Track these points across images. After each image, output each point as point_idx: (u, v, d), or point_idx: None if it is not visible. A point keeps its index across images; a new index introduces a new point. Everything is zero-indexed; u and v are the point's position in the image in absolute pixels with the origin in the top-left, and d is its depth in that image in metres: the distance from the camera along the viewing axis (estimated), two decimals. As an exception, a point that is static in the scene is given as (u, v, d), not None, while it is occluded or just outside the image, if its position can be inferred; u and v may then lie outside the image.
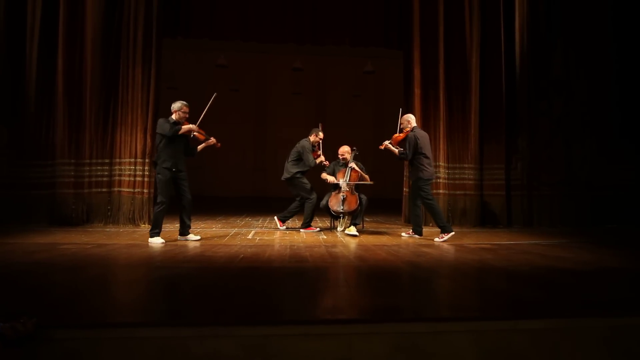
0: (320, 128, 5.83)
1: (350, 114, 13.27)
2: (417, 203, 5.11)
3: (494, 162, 6.61)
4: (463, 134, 6.59)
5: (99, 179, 5.95)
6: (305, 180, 5.63)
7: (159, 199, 4.39)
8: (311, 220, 5.67)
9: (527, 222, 6.54)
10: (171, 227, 5.68)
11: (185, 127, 4.46)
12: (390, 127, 6.83)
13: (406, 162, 6.43)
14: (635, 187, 6.77)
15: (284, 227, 5.80)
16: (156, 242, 4.34)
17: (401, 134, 5.12)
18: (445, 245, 4.62)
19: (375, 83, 12.98)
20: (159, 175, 4.39)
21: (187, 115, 4.60)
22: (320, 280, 2.87)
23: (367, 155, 13.08)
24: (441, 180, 6.45)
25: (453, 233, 4.86)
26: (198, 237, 4.68)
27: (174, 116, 4.53)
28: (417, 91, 6.53)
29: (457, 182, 6.53)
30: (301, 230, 5.60)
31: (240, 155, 12.94)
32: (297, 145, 5.73)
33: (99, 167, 5.95)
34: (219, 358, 1.70)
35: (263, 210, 8.79)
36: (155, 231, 4.40)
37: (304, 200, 5.61)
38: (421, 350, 1.82)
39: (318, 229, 5.72)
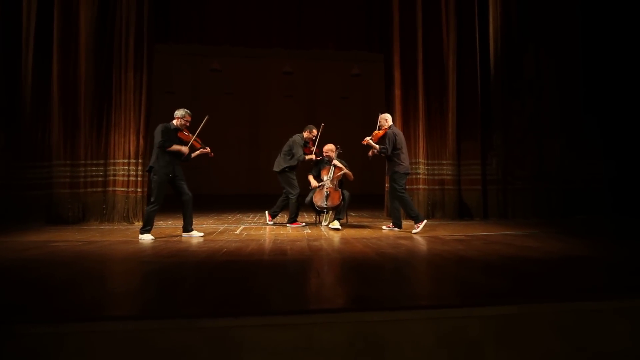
0: (315, 127, 5.78)
1: (339, 115, 13.22)
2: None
3: (470, 158, 6.59)
4: (441, 132, 6.57)
5: (94, 179, 5.86)
6: (292, 176, 5.58)
7: (152, 199, 4.32)
8: (296, 215, 5.62)
9: (502, 214, 6.53)
10: (163, 224, 5.62)
11: (176, 147, 4.37)
12: (376, 127, 6.78)
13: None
14: (602, 180, 6.79)
15: (272, 222, 5.75)
16: (146, 238, 4.28)
17: (380, 131, 5.14)
18: (421, 237, 4.58)
19: (362, 85, 12.93)
20: (155, 177, 4.32)
21: (188, 124, 4.54)
22: (294, 272, 2.82)
23: (355, 154, 13.09)
24: (421, 176, 6.43)
25: (426, 221, 4.91)
26: (201, 234, 4.62)
27: (175, 122, 4.48)
28: (397, 92, 6.49)
29: (436, 177, 6.51)
30: (287, 225, 5.56)
31: (235, 155, 12.86)
32: (289, 139, 5.66)
33: (94, 168, 5.86)
34: (182, 350, 1.64)
35: (255, 206, 8.72)
36: (146, 228, 4.33)
37: (287, 195, 5.57)
38: (380, 337, 1.78)
39: (304, 223, 5.67)
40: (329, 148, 5.70)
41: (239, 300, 2.06)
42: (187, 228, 4.61)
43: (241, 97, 12.90)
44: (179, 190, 4.47)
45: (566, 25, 6.83)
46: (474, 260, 3.19)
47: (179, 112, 4.49)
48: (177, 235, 4.61)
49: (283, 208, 5.79)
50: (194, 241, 4.29)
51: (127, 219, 5.80)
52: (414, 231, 4.81)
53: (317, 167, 5.71)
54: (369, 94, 13.07)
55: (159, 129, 4.34)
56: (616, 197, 6.74)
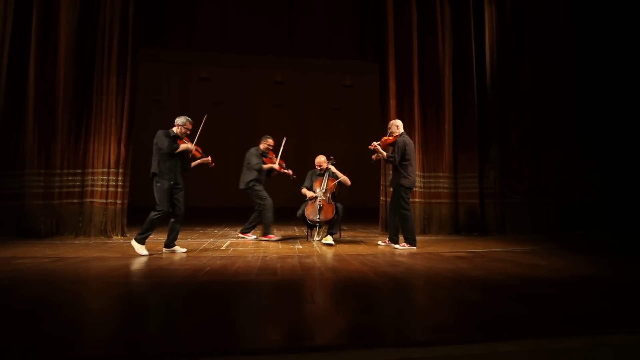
0: (271, 137, 5.59)
1: (331, 126, 13.06)
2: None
3: (467, 171, 6.40)
4: (437, 143, 6.38)
5: (71, 189, 5.50)
6: (259, 188, 5.34)
7: (158, 207, 4.03)
8: (268, 228, 5.32)
9: (500, 229, 6.33)
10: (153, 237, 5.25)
11: (184, 145, 4.16)
12: (368, 139, 6.60)
13: (384, 168, 6.20)
14: (600, 194, 6.66)
15: (254, 236, 5.43)
16: (139, 249, 4.00)
17: (390, 137, 4.79)
18: (419, 253, 4.32)
19: (354, 97, 12.81)
20: (158, 185, 4.04)
21: (189, 132, 4.29)
22: (285, 295, 2.52)
23: (347, 166, 12.87)
24: (417, 189, 6.20)
25: (415, 249, 4.57)
26: (184, 250, 4.31)
27: (175, 129, 4.23)
28: (392, 102, 6.31)
29: (432, 190, 6.29)
30: (260, 238, 5.28)
31: (224, 167, 12.52)
32: (247, 153, 5.48)
33: (70, 178, 5.50)
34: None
35: (243, 220, 8.38)
36: (143, 235, 4.03)
37: (260, 208, 5.29)
38: (388, 381, 1.50)
39: (278, 237, 5.36)
40: (321, 160, 5.46)
41: (220, 335, 1.75)
42: (170, 244, 4.29)
43: (231, 106, 12.64)
44: (174, 202, 4.17)
45: (562, 37, 6.78)
46: (481, 281, 2.94)
47: (179, 120, 4.24)
48: (158, 252, 4.27)
49: (257, 224, 5.51)
50: (176, 258, 3.96)
51: (105, 232, 5.43)
52: (399, 247, 4.59)
53: (309, 179, 5.45)
54: (361, 106, 12.95)
55: (160, 134, 4.08)
56: (613, 213, 6.60)
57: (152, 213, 4.02)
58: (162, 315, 2.11)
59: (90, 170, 5.54)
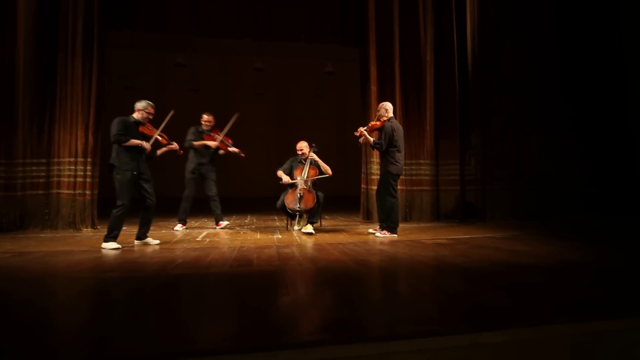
0: (205, 113, 5.50)
1: (313, 114, 12.85)
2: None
3: (449, 157, 6.36)
4: (419, 130, 6.30)
5: (35, 180, 5.18)
6: (188, 175, 5.25)
7: (118, 202, 3.77)
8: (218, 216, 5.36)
9: (481, 215, 6.32)
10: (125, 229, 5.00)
11: (136, 141, 3.83)
12: (351, 127, 6.46)
13: (366, 155, 6.09)
14: (579, 180, 6.73)
15: (226, 222, 5.48)
16: (110, 247, 3.73)
17: (377, 122, 4.61)
18: (401, 241, 4.24)
19: (336, 84, 12.61)
20: (118, 176, 3.77)
21: (151, 117, 4.02)
22: (258, 288, 2.38)
23: (329, 154, 12.72)
24: (398, 177, 6.12)
25: (396, 237, 4.48)
26: (157, 242, 4.10)
27: (136, 114, 3.95)
28: (373, 88, 6.17)
29: (414, 178, 6.22)
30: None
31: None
32: None
33: (34, 168, 5.18)
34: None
35: (223, 210, 8.17)
36: (111, 235, 3.78)
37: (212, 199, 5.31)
38: (366, 379, 1.38)
39: (226, 222, 5.49)
40: (303, 145, 5.30)
41: (182, 333, 1.60)
42: (142, 236, 4.07)
43: (209, 94, 12.26)
44: (143, 194, 3.94)
45: (542, 22, 6.75)
46: (463, 268, 2.86)
47: (139, 104, 3.97)
48: (130, 244, 4.05)
49: (218, 209, 5.43)
50: (148, 250, 3.76)
51: (74, 225, 5.15)
52: (377, 233, 4.52)
53: (288, 165, 5.29)
54: (343, 93, 12.76)
55: (114, 122, 3.80)
56: (592, 197, 6.69)
57: (114, 210, 3.78)
58: (123, 312, 1.93)
59: (55, 159, 5.23)
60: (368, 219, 6.14)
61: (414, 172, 6.24)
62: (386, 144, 4.46)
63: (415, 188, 6.20)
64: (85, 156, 5.21)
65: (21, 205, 5.10)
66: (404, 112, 6.25)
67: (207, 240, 4.40)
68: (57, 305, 2.08)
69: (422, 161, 6.26)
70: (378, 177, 6.16)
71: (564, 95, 6.71)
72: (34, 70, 5.18)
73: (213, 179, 5.31)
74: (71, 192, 5.19)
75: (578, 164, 6.72)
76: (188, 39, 10.13)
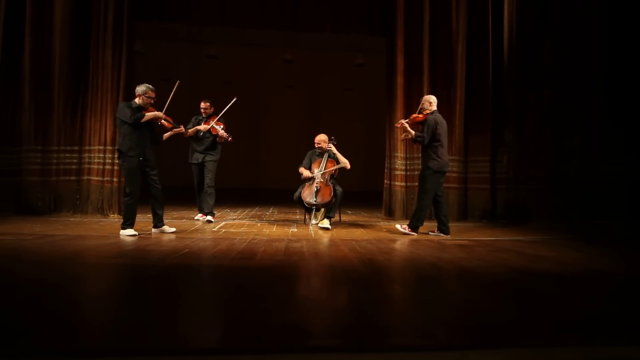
0: (204, 100, 5.28)
1: (343, 107, 12.67)
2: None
3: (479, 154, 6.01)
4: (448, 125, 5.88)
5: (68, 166, 5.43)
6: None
7: (127, 190, 3.85)
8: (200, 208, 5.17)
9: (512, 217, 5.93)
10: (141, 217, 5.15)
11: (150, 114, 3.90)
12: (382, 120, 6.21)
13: (390, 150, 5.88)
14: (624, 183, 6.15)
15: (205, 217, 5.05)
16: (127, 234, 3.82)
17: (420, 115, 4.41)
18: (419, 240, 4.05)
19: (368, 76, 12.33)
20: (125, 164, 3.86)
21: (153, 101, 4.04)
22: (249, 284, 2.30)
23: (359, 149, 12.54)
24: (424, 173, 5.86)
25: (415, 236, 4.27)
26: (173, 229, 4.16)
27: (137, 100, 3.98)
28: (400, 80, 5.93)
29: (440, 174, 5.93)
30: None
31: (234, 147, 12.39)
32: None
33: (67, 155, 5.43)
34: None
35: (249, 201, 8.27)
36: (126, 223, 3.86)
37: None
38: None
39: (209, 218, 5.03)
40: (321, 138, 5.18)
41: (152, 329, 1.56)
42: (157, 224, 4.15)
43: (241, 86, 12.39)
44: (149, 181, 4.00)
45: (588, 10, 6.17)
46: (476, 273, 2.66)
47: (140, 88, 3.95)
48: (147, 232, 4.14)
49: (212, 200, 5.11)
50: (164, 238, 3.83)
51: (102, 210, 5.37)
52: (398, 227, 4.35)
53: (307, 159, 5.20)
54: (375, 86, 12.46)
55: (121, 106, 3.88)
56: (638, 202, 6.10)
57: (125, 199, 3.85)
58: (101, 302, 1.92)
59: (87, 147, 5.45)
60: (390, 215, 5.95)
61: (440, 168, 5.94)
62: (429, 138, 4.24)
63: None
64: (113, 144, 5.37)
65: (55, 190, 5.37)
66: (432, 106, 5.96)
67: (223, 231, 4.42)
68: (43, 290, 2.08)
69: (450, 157, 5.95)
70: (402, 172, 6.01)
71: (610, 89, 6.12)
72: (69, 60, 5.39)
73: (210, 169, 5.02)
74: (100, 178, 5.40)
75: (624, 164, 6.13)
76: (221, 31, 10.28)
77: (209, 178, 5.01)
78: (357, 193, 10.15)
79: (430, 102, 4.43)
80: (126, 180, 3.87)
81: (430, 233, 4.54)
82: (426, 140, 4.24)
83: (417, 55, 5.95)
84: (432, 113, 4.36)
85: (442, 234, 4.42)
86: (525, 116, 6.09)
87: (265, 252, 3.17)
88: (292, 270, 2.65)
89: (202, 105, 5.22)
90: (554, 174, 6.11)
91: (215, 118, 5.15)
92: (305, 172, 5.02)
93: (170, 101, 4.28)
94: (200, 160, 5.06)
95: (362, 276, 2.54)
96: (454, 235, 4.47)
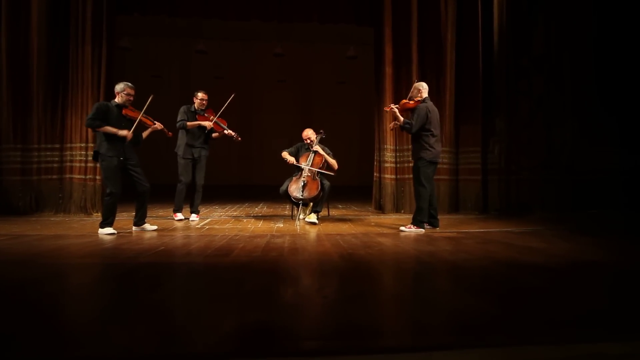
0: (202, 91, 4.95)
1: (336, 100, 12.51)
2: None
3: (470, 144, 5.88)
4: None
5: (49, 165, 5.29)
6: (181, 161, 4.75)
7: (108, 190, 3.72)
8: (177, 206, 4.81)
9: (504, 208, 5.82)
10: (126, 216, 5.02)
11: (109, 129, 3.66)
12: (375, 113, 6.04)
13: (379, 142, 5.75)
14: (618, 171, 6.02)
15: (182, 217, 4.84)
16: (105, 232, 3.70)
17: (410, 102, 4.22)
18: (407, 235, 3.93)
19: (360, 69, 12.15)
20: (104, 163, 3.73)
21: (132, 98, 3.91)
22: (216, 282, 2.17)
23: (352, 142, 12.38)
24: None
25: (422, 231, 4.05)
26: (154, 227, 4.05)
27: (117, 99, 3.85)
28: (388, 70, 5.78)
29: (430, 166, 5.80)
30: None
31: (226, 143, 12.23)
32: None
33: (48, 153, 5.29)
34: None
35: (241, 198, 8.13)
36: (106, 221, 3.74)
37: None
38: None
39: (183, 217, 4.83)
40: (308, 133, 5.04)
41: (92, 329, 1.44)
42: (138, 222, 4.02)
43: (233, 82, 12.21)
44: (134, 179, 3.88)
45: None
46: (460, 267, 2.54)
47: (118, 87, 3.84)
48: (127, 230, 4.01)
49: (194, 198, 4.92)
50: (144, 236, 3.69)
51: (85, 209, 5.23)
52: (403, 229, 4.10)
53: (295, 151, 5.06)
54: (368, 78, 12.29)
55: (94, 107, 3.74)
56: (633, 190, 5.97)
57: (105, 198, 3.73)
58: (53, 304, 1.79)
59: (68, 145, 5.31)
60: (379, 209, 5.83)
61: (430, 160, 5.81)
62: (417, 126, 4.04)
63: (431, 177, 5.78)
64: (95, 141, 5.23)
65: (36, 189, 5.23)
66: (421, 96, 5.81)
67: (207, 227, 4.29)
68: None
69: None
70: (391, 165, 5.87)
71: (602, 77, 5.97)
72: (47, 57, 5.24)
73: (203, 165, 4.84)
74: (82, 177, 5.26)
75: (617, 153, 6.00)
76: (211, 26, 10.07)
77: (202, 176, 4.86)
78: (350, 187, 10.01)
79: (420, 89, 4.24)
80: (106, 180, 3.75)
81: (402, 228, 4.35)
82: (414, 129, 4.07)
83: (406, 44, 5.80)
84: (423, 100, 4.18)
85: (431, 227, 4.29)
86: (516, 105, 5.95)
87: (243, 248, 3.04)
88: (267, 266, 2.52)
89: (201, 96, 4.87)
90: (546, 164, 5.98)
91: (212, 112, 4.95)
92: (288, 158, 4.86)
93: (146, 108, 4.05)
94: (196, 156, 4.81)
95: (337, 271, 2.42)
96: (444, 228, 4.35)
